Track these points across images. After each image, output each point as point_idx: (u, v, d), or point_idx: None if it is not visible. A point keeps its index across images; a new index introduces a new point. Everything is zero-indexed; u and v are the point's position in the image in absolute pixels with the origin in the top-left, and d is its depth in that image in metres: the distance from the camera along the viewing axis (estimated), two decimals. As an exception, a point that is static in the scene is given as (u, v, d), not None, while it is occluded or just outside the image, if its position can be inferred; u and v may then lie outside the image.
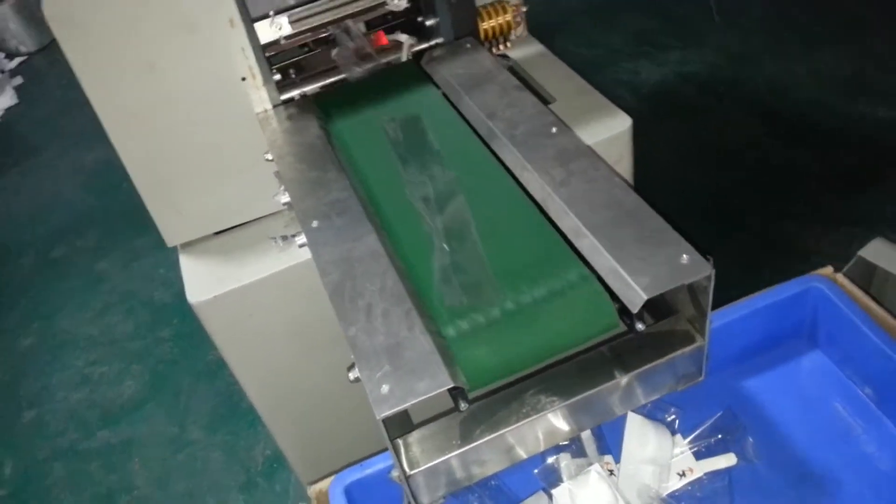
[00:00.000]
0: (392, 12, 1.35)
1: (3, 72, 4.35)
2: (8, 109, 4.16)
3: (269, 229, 1.31)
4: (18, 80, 4.37)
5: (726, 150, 2.75)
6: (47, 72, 4.38)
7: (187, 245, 1.33)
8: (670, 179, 2.62)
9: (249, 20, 1.16)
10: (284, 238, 1.27)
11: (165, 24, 1.12)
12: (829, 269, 1.14)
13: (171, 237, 1.32)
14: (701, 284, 0.82)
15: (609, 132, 1.35)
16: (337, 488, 0.99)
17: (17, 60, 4.53)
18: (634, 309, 0.79)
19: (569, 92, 1.45)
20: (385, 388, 0.75)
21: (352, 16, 1.28)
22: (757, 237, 2.39)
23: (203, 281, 1.26)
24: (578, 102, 1.41)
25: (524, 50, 1.57)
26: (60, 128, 3.82)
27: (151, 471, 2.13)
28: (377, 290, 0.87)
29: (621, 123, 1.35)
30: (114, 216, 3.08)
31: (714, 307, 1.06)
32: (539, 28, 1.62)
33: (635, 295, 0.79)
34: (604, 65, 3.31)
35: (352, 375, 0.80)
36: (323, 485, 1.01)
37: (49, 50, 4.52)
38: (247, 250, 1.29)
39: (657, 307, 0.94)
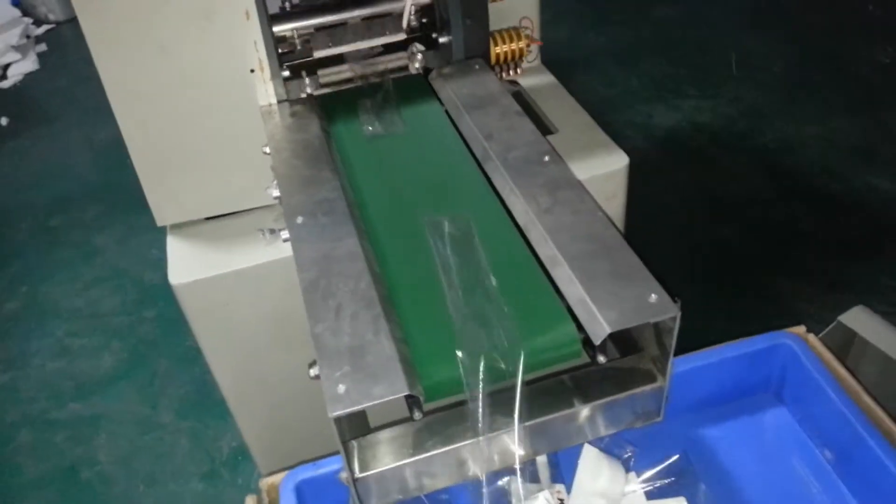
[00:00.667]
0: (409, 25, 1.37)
1: (28, 37, 4.39)
2: (28, 74, 4.20)
3: (258, 221, 1.32)
4: (42, 47, 4.41)
5: (728, 202, 2.77)
6: (72, 43, 4.42)
7: (176, 227, 1.35)
8: (669, 224, 2.63)
9: (266, 15, 1.18)
10: (272, 231, 1.28)
11: (183, 8, 1.14)
12: (801, 328, 1.15)
13: (162, 217, 1.34)
14: (666, 325, 0.83)
15: (605, 168, 1.36)
16: (288, 484, 1.00)
17: (44, 28, 4.58)
18: (597, 340, 0.80)
19: (572, 125, 1.47)
20: (341, 388, 0.76)
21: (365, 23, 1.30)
22: (748, 291, 2.40)
23: (187, 263, 1.28)
24: (580, 136, 1.43)
25: (535, 79, 1.59)
26: (76, 99, 3.85)
27: (117, 448, 2.13)
28: (350, 291, 0.88)
29: (618, 161, 1.37)
30: (116, 193, 3.10)
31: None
32: (560, 63, 1.64)
33: (600, 327, 0.80)
34: (619, 105, 3.34)
35: (312, 372, 0.81)
36: (275, 479, 1.02)
37: (77, 22, 4.55)
38: (234, 239, 1.31)
39: (623, 343, 0.94)
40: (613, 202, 1.40)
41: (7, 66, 4.19)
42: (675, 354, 0.87)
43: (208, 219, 1.36)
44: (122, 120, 1.21)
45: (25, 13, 4.49)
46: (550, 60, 1.63)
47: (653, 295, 0.82)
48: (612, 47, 3.79)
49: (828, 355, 1.12)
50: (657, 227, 2.54)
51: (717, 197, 2.81)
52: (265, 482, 1.03)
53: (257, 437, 1.56)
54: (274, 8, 1.24)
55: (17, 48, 4.20)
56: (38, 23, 4.58)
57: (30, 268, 2.81)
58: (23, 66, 4.21)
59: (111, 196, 3.11)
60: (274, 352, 1.37)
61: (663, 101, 3.34)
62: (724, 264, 2.52)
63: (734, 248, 2.58)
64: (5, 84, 4.11)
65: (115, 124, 1.20)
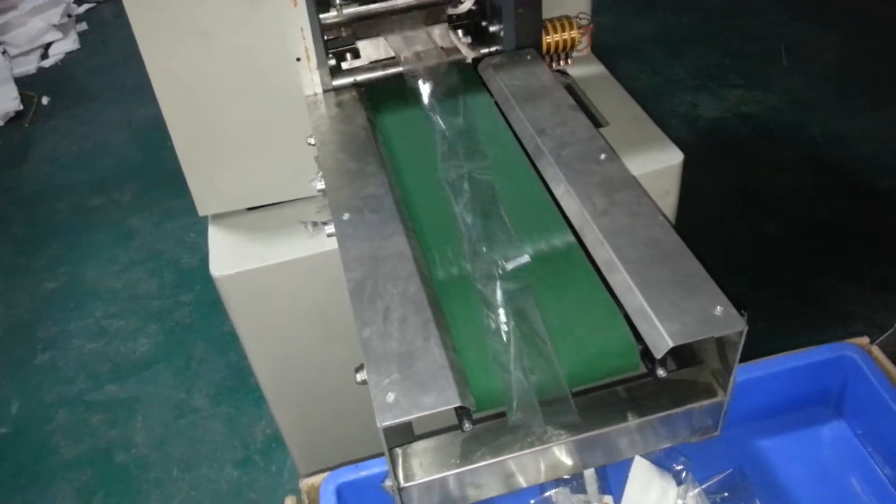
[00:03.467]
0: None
1: (70, 16, 4.41)
2: (68, 53, 4.22)
3: (301, 213, 1.30)
4: (83, 26, 4.43)
5: (774, 197, 2.70)
6: (112, 22, 4.44)
7: (218, 217, 1.33)
8: (712, 219, 2.57)
9: (313, 1, 1.15)
10: (315, 224, 1.26)
11: (229, -7, 1.11)
12: (864, 340, 1.10)
13: (204, 207, 1.32)
14: (731, 339, 0.79)
15: (659, 164, 1.31)
16: (329, 486, 0.97)
17: (85, 6, 4.60)
18: (658, 354, 0.76)
19: (624, 118, 1.42)
20: (391, 397, 0.73)
21: (414, 11, 1.26)
22: (792, 290, 2.34)
23: (228, 255, 1.26)
24: (632, 130, 1.38)
25: (585, 69, 1.54)
26: (116, 78, 3.86)
27: (152, 432, 2.13)
28: (399, 294, 0.85)
29: (673, 158, 1.32)
30: (154, 174, 3.11)
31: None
32: (604, 49, 1.59)
33: (661, 340, 0.76)
34: (663, 93, 3.27)
35: (359, 377, 0.79)
36: (315, 480, 1.00)
37: (117, 0, 4.57)
38: (276, 231, 1.28)
39: (681, 353, 0.90)
40: (666, 199, 1.35)
41: (48, 46, 4.22)
42: (731, 364, 0.82)
43: (250, 209, 1.34)
44: (166, 108, 1.19)
45: (67, -8, 4.51)
46: (593, 47, 1.57)
47: (718, 307, 0.78)
48: (656, 34, 3.70)
49: (893, 369, 1.06)
50: (697, 220, 2.47)
51: (761, 191, 2.73)
52: (306, 483, 1.01)
53: (294, 429, 1.54)
54: (321, -6, 1.20)
55: (58, 27, 4.22)
56: (78, 2, 4.60)
57: (68, 248, 2.83)
58: (63, 46, 4.23)
59: (149, 177, 3.12)
60: (315, 346, 1.35)
61: (708, 90, 3.26)
62: (767, 261, 2.45)
63: (778, 244, 2.51)
64: (46, 63, 4.14)
65: (154, 104, 1.18)
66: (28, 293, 2.66)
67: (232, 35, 1.14)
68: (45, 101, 3.80)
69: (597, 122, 1.40)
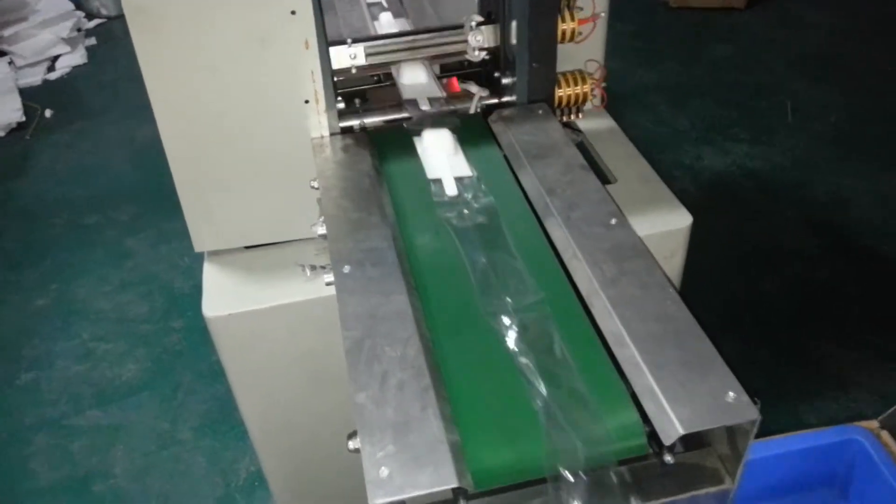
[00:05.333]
0: (468, 60, 1.31)
1: (79, 30, 4.42)
2: (75, 67, 4.21)
3: (299, 254, 1.26)
4: (92, 40, 4.44)
5: (774, 255, 2.67)
6: (121, 38, 4.43)
7: (214, 254, 1.30)
8: (710, 276, 2.54)
9: (325, 45, 1.13)
10: (313, 268, 1.22)
11: (240, 32, 1.09)
12: (873, 423, 1.07)
13: (200, 243, 1.29)
14: (743, 427, 0.76)
15: (667, 226, 1.29)
16: (311, 550, 0.93)
17: (95, 22, 4.61)
18: (667, 441, 0.73)
19: (632, 175, 1.40)
20: (384, 472, 0.70)
21: (429, 57, 1.24)
22: (788, 353, 2.30)
23: (222, 295, 1.22)
24: (641, 188, 1.36)
25: (594, 122, 1.52)
26: (121, 96, 3.85)
27: (133, 462, 2.08)
28: (397, 357, 0.81)
29: (681, 220, 1.30)
30: (152, 195, 3.07)
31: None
32: (611, 97, 1.57)
33: (671, 427, 0.72)
34: (667, 145, 3.26)
35: (351, 445, 0.75)
36: (298, 542, 0.95)
37: (128, 18, 4.57)
38: (273, 272, 1.25)
39: (688, 434, 0.87)
40: (672, 261, 1.33)
41: (56, 58, 4.21)
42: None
43: (247, 247, 1.30)
44: (167, 140, 1.17)
45: (78, 6, 4.52)
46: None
47: (730, 393, 0.75)
48: (663, 85, 3.71)
49: (901, 455, 1.03)
50: (695, 273, 2.45)
51: (761, 248, 2.71)
52: (287, 543, 0.97)
53: (278, 473, 1.49)
54: (335, 37, 1.18)
55: (66, 41, 4.22)
56: (89, 16, 4.61)
57: (61, 266, 2.78)
58: (71, 59, 4.22)
59: (147, 198, 3.08)
60: (305, 392, 1.31)
61: (713, 143, 3.25)
62: (763, 320, 2.42)
63: (776, 305, 2.48)
64: (52, 76, 4.13)
65: (156, 126, 1.15)
66: (16, 309, 2.61)
67: (239, 72, 1.12)
68: (48, 113, 3.78)
69: (605, 179, 1.38)
